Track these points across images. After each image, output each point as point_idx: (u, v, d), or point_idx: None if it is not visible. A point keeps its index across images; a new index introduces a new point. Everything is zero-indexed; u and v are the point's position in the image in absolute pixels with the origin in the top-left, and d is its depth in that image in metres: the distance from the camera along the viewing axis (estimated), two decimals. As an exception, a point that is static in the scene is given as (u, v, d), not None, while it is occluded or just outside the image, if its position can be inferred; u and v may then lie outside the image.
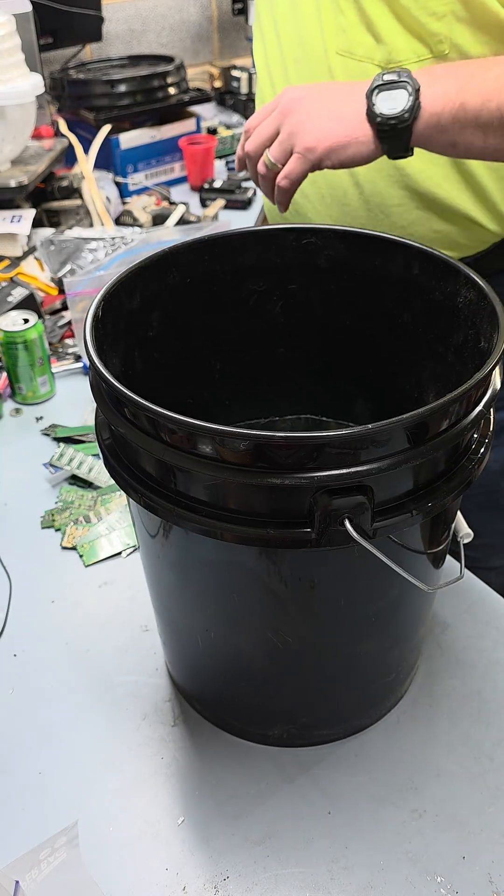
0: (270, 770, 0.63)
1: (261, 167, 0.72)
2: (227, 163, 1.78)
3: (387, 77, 0.66)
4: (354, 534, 0.44)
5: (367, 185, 0.82)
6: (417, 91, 0.65)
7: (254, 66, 2.10)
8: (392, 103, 0.65)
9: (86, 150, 1.51)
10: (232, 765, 0.63)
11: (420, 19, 0.72)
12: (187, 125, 1.72)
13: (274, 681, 0.60)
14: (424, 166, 0.78)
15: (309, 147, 0.68)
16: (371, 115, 0.66)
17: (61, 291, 1.23)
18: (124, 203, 1.56)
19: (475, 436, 0.51)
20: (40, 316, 1.11)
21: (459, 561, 0.60)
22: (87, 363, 0.53)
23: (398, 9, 0.73)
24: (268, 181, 0.73)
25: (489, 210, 0.81)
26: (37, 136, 1.50)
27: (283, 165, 0.70)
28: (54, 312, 1.22)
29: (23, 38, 1.32)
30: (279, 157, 0.70)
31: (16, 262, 1.28)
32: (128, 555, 0.82)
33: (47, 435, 0.99)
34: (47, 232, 1.37)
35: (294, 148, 0.69)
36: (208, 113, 1.93)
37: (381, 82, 0.66)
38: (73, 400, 1.05)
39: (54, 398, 1.06)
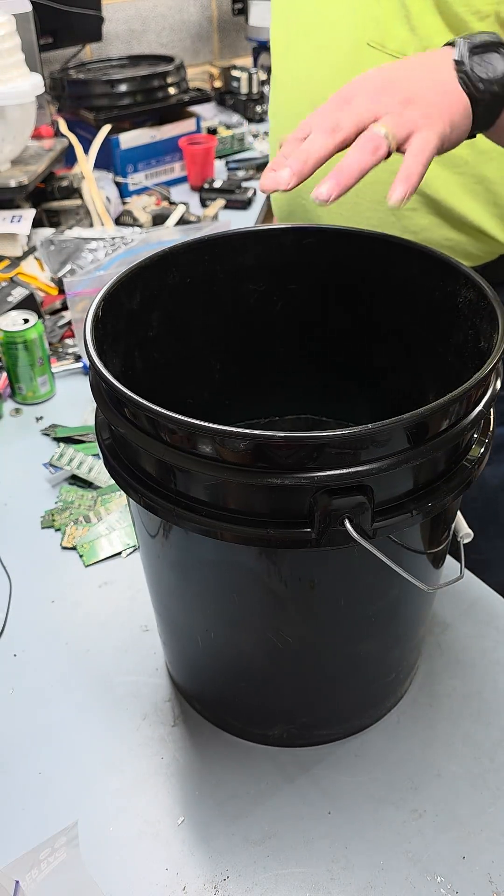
0: (270, 770, 0.63)
1: (376, 140, 0.51)
2: (227, 163, 1.78)
3: (479, 38, 0.56)
4: (354, 534, 0.44)
5: (382, 186, 0.79)
6: None
7: (254, 66, 2.10)
8: (488, 68, 0.56)
9: (86, 150, 1.51)
10: (232, 765, 0.63)
11: (463, 17, 0.69)
12: (187, 125, 1.72)
13: (274, 681, 0.60)
14: (443, 173, 0.77)
15: (441, 117, 0.53)
16: (469, 82, 0.55)
17: (61, 291, 1.23)
18: (124, 203, 1.56)
19: (475, 436, 0.51)
20: (40, 316, 1.11)
21: (459, 561, 0.60)
22: (87, 363, 0.53)
23: (441, 3, 0.69)
24: (376, 157, 0.52)
25: None
26: (37, 136, 1.50)
27: (402, 143, 0.53)
28: (54, 312, 1.22)
29: (23, 38, 1.32)
30: (400, 131, 0.52)
31: (16, 262, 1.28)
32: (128, 555, 0.82)
33: (47, 435, 0.99)
34: (47, 232, 1.37)
35: (419, 121, 0.53)
36: (208, 113, 1.93)
37: (474, 43, 0.56)
38: (73, 400, 1.05)
39: (54, 398, 1.06)
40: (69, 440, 0.97)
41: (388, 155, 0.52)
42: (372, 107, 0.53)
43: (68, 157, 1.56)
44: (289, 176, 0.52)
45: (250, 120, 2.00)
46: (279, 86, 0.88)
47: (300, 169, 0.52)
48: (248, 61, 2.23)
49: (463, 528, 0.61)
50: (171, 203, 1.57)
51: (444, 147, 0.55)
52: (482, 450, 0.51)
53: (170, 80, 1.70)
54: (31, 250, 1.30)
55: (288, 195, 0.88)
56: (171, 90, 1.71)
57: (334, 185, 0.51)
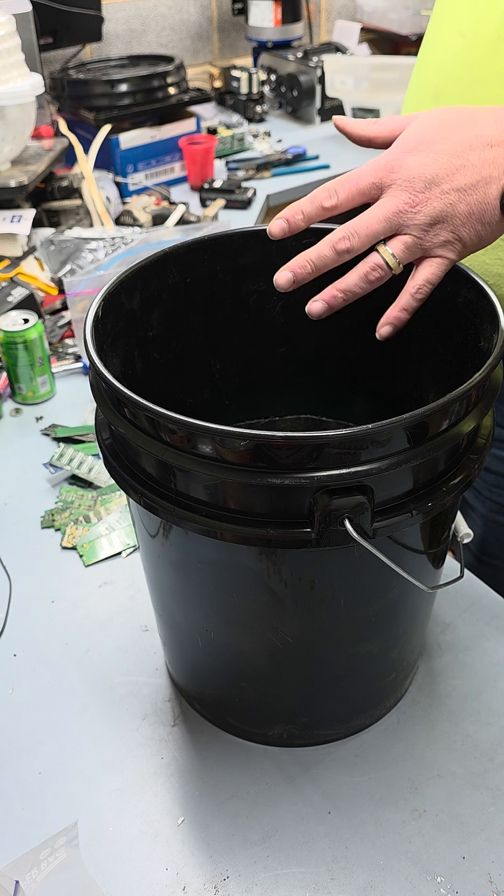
0: (270, 770, 0.63)
1: (371, 270, 0.53)
2: (227, 163, 1.78)
3: None
4: (354, 534, 0.44)
5: None
6: None
7: (254, 66, 2.10)
8: None
9: (86, 150, 1.51)
10: (232, 765, 0.63)
11: None
12: (187, 125, 1.72)
13: (274, 681, 0.60)
14: None
15: (463, 239, 0.53)
16: None
17: (61, 291, 1.23)
18: (124, 203, 1.56)
19: (475, 436, 0.51)
20: (40, 316, 1.11)
21: (459, 561, 0.60)
22: (87, 363, 0.53)
23: None
24: (372, 283, 0.54)
25: None
26: (37, 136, 1.50)
27: (407, 268, 0.54)
28: (54, 312, 1.22)
29: (23, 38, 1.32)
30: (411, 257, 0.53)
31: (16, 262, 1.28)
32: (128, 555, 0.82)
33: (47, 435, 0.99)
34: (47, 232, 1.37)
35: (436, 249, 0.53)
36: (208, 113, 1.93)
37: None
38: (73, 400, 1.05)
39: (54, 398, 1.06)
40: (69, 440, 0.97)
41: (390, 278, 0.54)
42: (394, 221, 0.52)
43: (68, 157, 1.56)
44: (286, 283, 0.55)
45: (250, 120, 2.00)
46: (416, 68, 0.81)
47: (301, 278, 0.55)
48: (248, 61, 2.23)
49: (463, 528, 0.61)
50: (171, 203, 1.57)
51: (460, 258, 0.55)
52: (482, 450, 0.51)
53: (170, 80, 1.70)
54: (31, 250, 1.30)
55: None
56: (171, 90, 1.71)
57: (325, 308, 0.55)
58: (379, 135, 0.57)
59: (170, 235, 1.30)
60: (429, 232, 0.52)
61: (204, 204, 1.60)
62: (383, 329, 0.55)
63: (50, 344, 1.14)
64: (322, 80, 1.92)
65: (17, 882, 0.54)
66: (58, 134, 1.55)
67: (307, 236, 0.66)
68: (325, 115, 2.00)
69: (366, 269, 0.53)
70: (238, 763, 0.63)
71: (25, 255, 1.29)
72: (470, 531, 0.61)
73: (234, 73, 1.99)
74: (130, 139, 1.63)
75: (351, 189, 0.54)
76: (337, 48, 2.05)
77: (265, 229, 0.66)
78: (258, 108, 2.00)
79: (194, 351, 0.69)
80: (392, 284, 0.65)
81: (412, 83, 0.82)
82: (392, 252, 0.53)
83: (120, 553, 0.82)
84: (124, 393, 0.45)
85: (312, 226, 0.65)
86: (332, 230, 0.61)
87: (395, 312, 0.55)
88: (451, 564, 0.74)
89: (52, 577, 0.80)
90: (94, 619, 0.75)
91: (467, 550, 0.95)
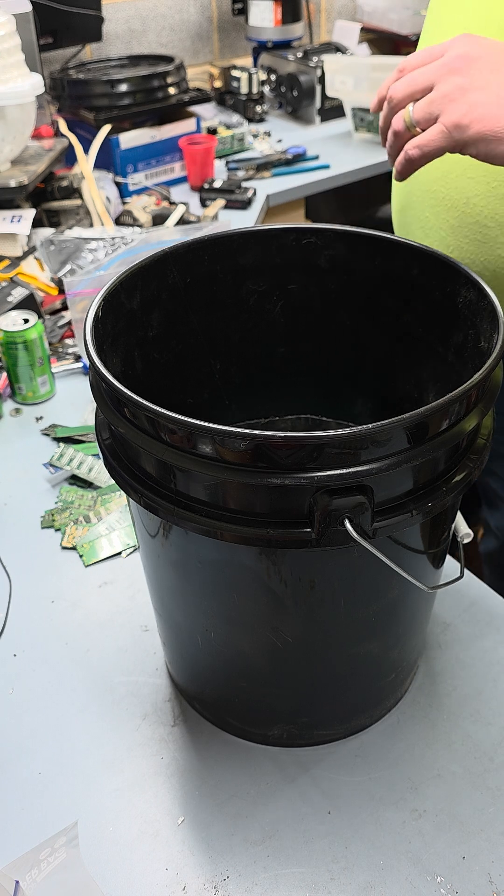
0: (270, 770, 0.63)
1: (398, 122, 0.60)
2: (227, 163, 1.78)
3: None
4: (354, 534, 0.44)
5: None
6: None
7: (254, 66, 2.10)
8: None
9: (86, 150, 1.51)
10: (232, 765, 0.63)
11: None
12: (187, 125, 1.72)
13: (274, 681, 0.60)
14: None
15: (459, 124, 0.55)
16: None
17: (61, 291, 1.23)
18: (124, 203, 1.56)
19: (475, 435, 0.51)
20: (40, 316, 1.11)
21: (459, 561, 0.60)
22: (87, 363, 0.53)
23: None
24: (399, 140, 0.60)
25: None
26: (37, 136, 1.50)
27: (423, 130, 0.58)
28: (54, 312, 1.22)
29: (23, 38, 1.32)
30: (421, 120, 0.58)
31: (16, 262, 1.28)
32: (128, 555, 0.82)
33: (47, 435, 0.99)
34: (47, 232, 1.37)
35: (441, 117, 0.56)
36: (208, 113, 1.93)
37: None
38: (73, 400, 1.05)
39: (54, 398, 1.06)
40: (69, 440, 0.97)
41: (412, 136, 0.60)
42: (429, 80, 0.58)
43: (68, 157, 1.55)
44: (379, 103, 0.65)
45: (250, 120, 2.00)
46: (427, 32, 0.82)
47: (383, 125, 0.64)
48: (248, 61, 2.23)
49: (463, 528, 0.61)
50: (171, 203, 1.57)
51: (470, 153, 0.57)
52: (482, 450, 0.51)
53: (170, 80, 1.70)
54: (31, 250, 1.30)
55: (405, 200, 0.84)
56: (171, 90, 1.71)
57: (396, 169, 0.62)
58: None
59: (170, 235, 1.30)
60: (453, 95, 0.56)
61: (204, 204, 1.60)
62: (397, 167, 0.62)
63: (50, 344, 1.14)
64: (322, 80, 1.92)
65: (17, 882, 0.54)
66: (58, 134, 1.55)
67: (307, 236, 0.66)
68: (325, 115, 2.00)
69: (391, 132, 0.61)
70: (238, 763, 0.63)
71: (25, 255, 1.29)
72: (470, 531, 0.61)
73: (234, 73, 1.99)
74: (130, 139, 1.63)
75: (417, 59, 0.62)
76: (337, 48, 2.05)
77: (265, 229, 0.66)
78: (258, 108, 2.00)
79: (194, 351, 0.69)
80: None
81: None
82: (412, 110, 0.59)
83: (120, 553, 0.82)
84: (124, 393, 0.45)
85: (317, 226, 0.65)
86: (329, 229, 0.62)
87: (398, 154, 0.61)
88: (451, 564, 0.74)
89: (52, 577, 0.80)
90: (94, 619, 0.75)
91: (493, 539, 0.95)
